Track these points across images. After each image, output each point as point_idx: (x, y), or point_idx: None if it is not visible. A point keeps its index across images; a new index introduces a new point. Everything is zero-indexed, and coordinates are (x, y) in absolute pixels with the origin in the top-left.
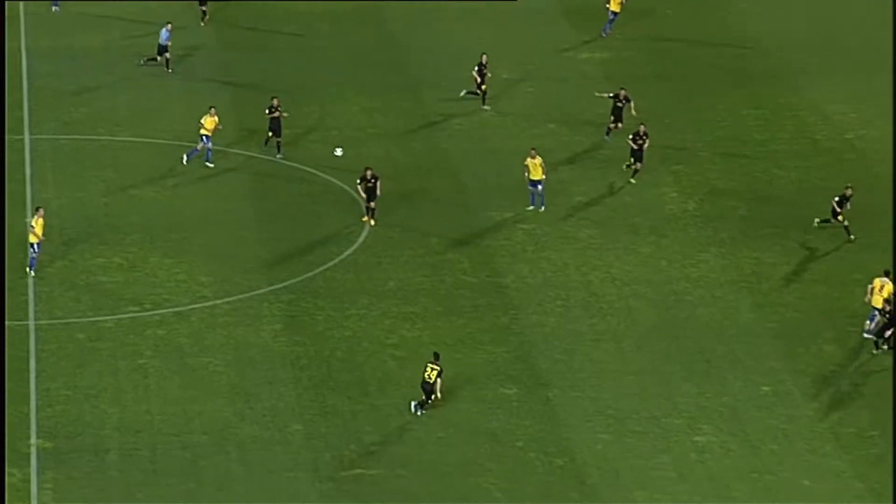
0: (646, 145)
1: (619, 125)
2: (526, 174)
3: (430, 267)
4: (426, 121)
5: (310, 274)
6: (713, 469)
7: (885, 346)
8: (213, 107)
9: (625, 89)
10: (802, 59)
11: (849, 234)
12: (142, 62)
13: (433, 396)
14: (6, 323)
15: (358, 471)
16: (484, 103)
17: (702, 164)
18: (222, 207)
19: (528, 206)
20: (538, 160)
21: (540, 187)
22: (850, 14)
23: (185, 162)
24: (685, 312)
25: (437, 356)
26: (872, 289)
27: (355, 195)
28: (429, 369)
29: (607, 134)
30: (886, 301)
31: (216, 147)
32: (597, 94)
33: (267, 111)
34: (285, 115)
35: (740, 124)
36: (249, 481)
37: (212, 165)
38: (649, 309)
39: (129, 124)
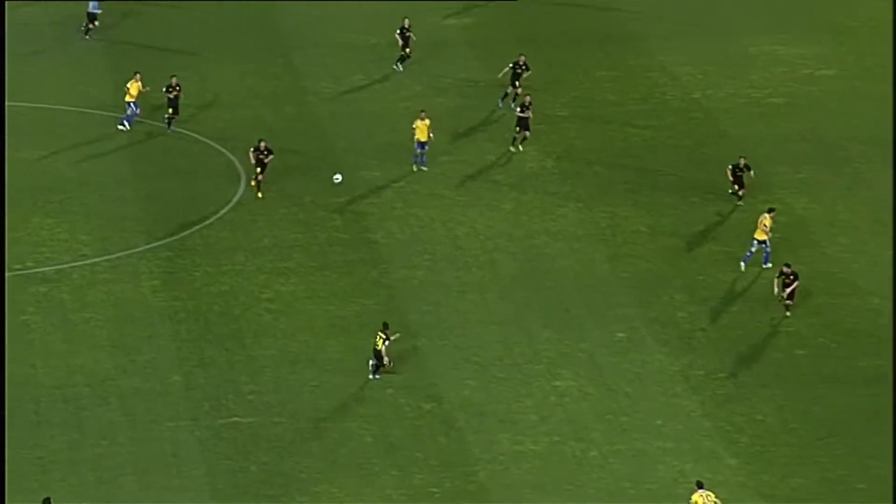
0: (531, 115)
1: (518, 90)
2: (414, 135)
3: (304, 224)
4: (297, 85)
5: (187, 232)
6: (572, 411)
7: (788, 302)
8: (139, 72)
9: (524, 56)
10: (653, 25)
11: (739, 199)
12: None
13: (384, 361)
14: None
15: (235, 419)
16: (402, 64)
17: (560, 124)
18: (102, 169)
19: (412, 166)
20: (426, 122)
21: (426, 148)
22: None
23: (124, 129)
24: (545, 264)
25: (385, 325)
26: (761, 221)
27: (232, 158)
28: (377, 337)
29: (502, 99)
30: (765, 232)
31: (97, 111)
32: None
33: (164, 89)
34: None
35: (596, 86)
36: (132, 430)
37: (126, 129)
38: (511, 261)
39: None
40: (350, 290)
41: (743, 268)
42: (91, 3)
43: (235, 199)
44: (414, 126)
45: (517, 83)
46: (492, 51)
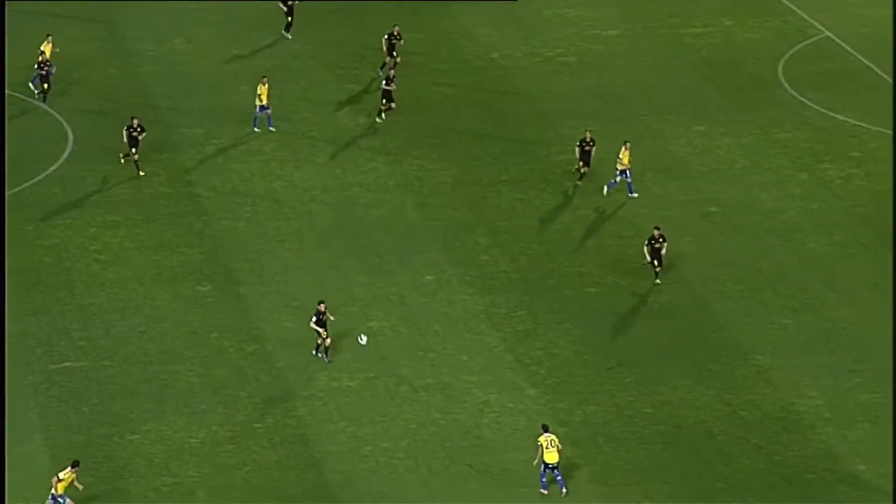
0: (394, 87)
1: (397, 60)
2: (257, 100)
3: (130, 180)
4: (122, 47)
5: (18, 188)
6: (385, 349)
7: (658, 269)
8: (50, 34)
9: (398, 26)
10: None
11: (580, 179)
12: None
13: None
14: None
15: (67, 364)
16: (384, 70)
17: (370, 83)
18: None
19: (248, 126)
20: (266, 87)
21: (269, 111)
22: None
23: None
24: (358, 214)
25: (320, 301)
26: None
27: (59, 118)
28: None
29: (381, 68)
30: (622, 162)
31: None
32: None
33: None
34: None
35: (405, 48)
36: None
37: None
38: (327, 212)
39: None
40: (175, 241)
41: (605, 192)
42: None
43: (64, 156)
44: (258, 91)
45: (394, 53)
46: (308, 20)
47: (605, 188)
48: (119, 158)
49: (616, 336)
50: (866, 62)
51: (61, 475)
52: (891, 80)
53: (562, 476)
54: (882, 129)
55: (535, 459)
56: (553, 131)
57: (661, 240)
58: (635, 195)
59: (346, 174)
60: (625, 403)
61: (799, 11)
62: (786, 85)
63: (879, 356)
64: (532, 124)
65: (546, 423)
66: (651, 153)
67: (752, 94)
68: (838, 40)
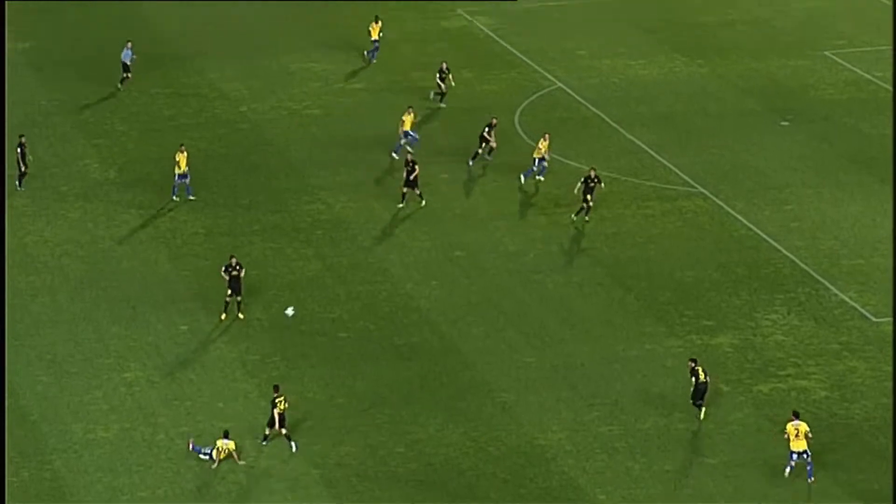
0: None
1: None
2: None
3: None
4: None
5: None
6: (141, 399)
7: (590, 204)
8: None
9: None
10: (202, 45)
11: (472, 158)
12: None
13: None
14: None
15: None
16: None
17: (119, 137)
18: None
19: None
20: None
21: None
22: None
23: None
24: (111, 266)
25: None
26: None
27: None
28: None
29: None
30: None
31: None
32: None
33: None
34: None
35: (152, 102)
36: None
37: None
38: (79, 265)
39: None
40: None
41: (522, 180)
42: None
43: None
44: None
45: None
46: (55, 76)
47: (522, 176)
48: None
49: (368, 379)
50: (595, 110)
51: None
52: (618, 127)
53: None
54: (612, 175)
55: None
56: (302, 181)
57: (596, 180)
58: (541, 178)
59: (98, 228)
60: (378, 444)
61: (532, 64)
62: (522, 134)
63: (615, 389)
64: (281, 175)
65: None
66: (397, 202)
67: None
68: (569, 91)
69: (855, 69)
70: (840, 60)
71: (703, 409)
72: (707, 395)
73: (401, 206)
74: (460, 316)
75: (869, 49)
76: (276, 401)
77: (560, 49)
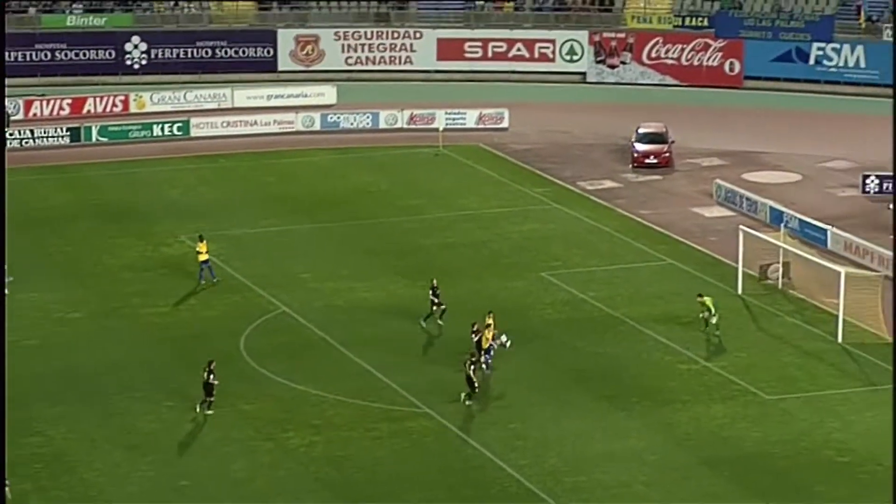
0: None
1: None
2: None
3: None
4: None
5: None
6: None
7: None
8: None
9: None
10: None
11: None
12: None
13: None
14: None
15: None
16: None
17: None
18: None
19: None
20: None
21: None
22: None
23: None
24: None
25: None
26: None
27: None
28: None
29: None
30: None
31: None
32: None
33: None
34: None
35: None
36: None
37: None
38: None
39: None
40: None
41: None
42: None
43: None
44: None
45: None
46: None
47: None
48: None
49: None
50: (321, 334)
51: None
52: (343, 350)
53: None
54: (339, 397)
55: None
56: (25, 413)
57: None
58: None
59: None
60: None
61: (256, 288)
62: (248, 358)
63: None
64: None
65: None
66: (120, 431)
67: (217, 369)
68: (294, 314)
69: (570, 289)
70: (556, 281)
71: None
72: None
73: None
74: None
75: (581, 270)
76: None
77: (283, 273)
